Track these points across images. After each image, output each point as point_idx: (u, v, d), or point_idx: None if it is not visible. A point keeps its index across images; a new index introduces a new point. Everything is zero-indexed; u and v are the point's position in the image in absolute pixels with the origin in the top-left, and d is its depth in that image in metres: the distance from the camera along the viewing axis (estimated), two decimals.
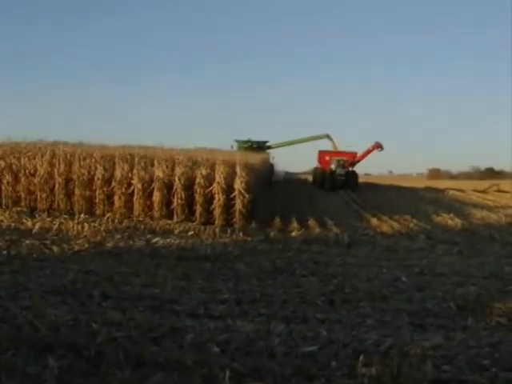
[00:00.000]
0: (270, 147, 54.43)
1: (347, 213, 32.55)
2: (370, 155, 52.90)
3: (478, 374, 6.31)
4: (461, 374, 6.32)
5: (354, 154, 52.66)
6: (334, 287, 11.21)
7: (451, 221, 28.41)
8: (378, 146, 52.51)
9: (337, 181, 49.14)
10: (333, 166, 50.11)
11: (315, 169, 56.60)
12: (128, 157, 23.82)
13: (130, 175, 23.33)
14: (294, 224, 23.44)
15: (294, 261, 14.42)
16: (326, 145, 56.71)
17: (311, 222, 24.46)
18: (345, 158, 51.20)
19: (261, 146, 52.08)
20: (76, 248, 14.49)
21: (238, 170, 22.75)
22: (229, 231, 19.67)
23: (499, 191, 58.55)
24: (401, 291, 11.20)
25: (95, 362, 6.21)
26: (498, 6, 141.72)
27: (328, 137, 56.02)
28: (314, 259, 14.96)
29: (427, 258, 16.17)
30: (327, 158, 52.35)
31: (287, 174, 62.95)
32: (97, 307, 8.99)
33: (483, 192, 56.03)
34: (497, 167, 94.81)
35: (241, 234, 19.20)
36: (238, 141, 51.44)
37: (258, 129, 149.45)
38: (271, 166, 50.76)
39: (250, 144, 51.13)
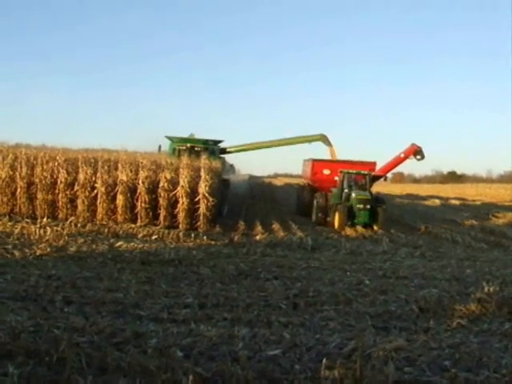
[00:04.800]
0: (225, 151, 32.77)
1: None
2: (400, 165, 31.59)
3: (439, 374, 6.43)
4: (422, 375, 6.44)
5: (372, 165, 31.04)
6: (298, 291, 11.30)
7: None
8: (416, 153, 30.14)
9: (358, 211, 25.74)
10: (345, 186, 26.99)
11: (302, 189, 33.98)
12: (91, 160, 23.55)
13: (93, 179, 23.04)
14: (258, 228, 23.44)
15: (257, 265, 14.47)
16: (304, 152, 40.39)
17: (275, 226, 24.47)
18: (364, 172, 28.06)
19: (211, 149, 30.05)
20: (38, 252, 14.27)
21: (202, 173, 22.67)
22: (193, 235, 19.59)
23: None
24: (364, 294, 11.32)
25: (57, 369, 6.16)
26: None
27: (324, 139, 34.81)
28: (278, 263, 15.00)
29: (390, 261, 16.35)
30: (326, 172, 31.27)
31: (252, 177, 54.25)
32: (59, 313, 8.91)
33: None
34: (458, 171, 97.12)
35: (205, 237, 19.11)
36: (171, 138, 30.48)
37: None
38: (226, 182, 30.61)
39: (191, 144, 30.04)
